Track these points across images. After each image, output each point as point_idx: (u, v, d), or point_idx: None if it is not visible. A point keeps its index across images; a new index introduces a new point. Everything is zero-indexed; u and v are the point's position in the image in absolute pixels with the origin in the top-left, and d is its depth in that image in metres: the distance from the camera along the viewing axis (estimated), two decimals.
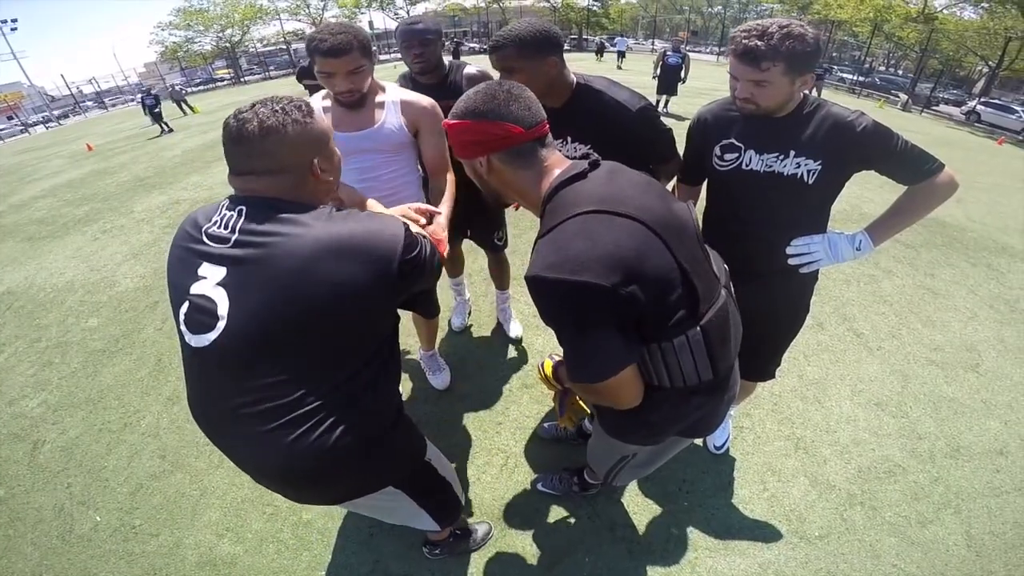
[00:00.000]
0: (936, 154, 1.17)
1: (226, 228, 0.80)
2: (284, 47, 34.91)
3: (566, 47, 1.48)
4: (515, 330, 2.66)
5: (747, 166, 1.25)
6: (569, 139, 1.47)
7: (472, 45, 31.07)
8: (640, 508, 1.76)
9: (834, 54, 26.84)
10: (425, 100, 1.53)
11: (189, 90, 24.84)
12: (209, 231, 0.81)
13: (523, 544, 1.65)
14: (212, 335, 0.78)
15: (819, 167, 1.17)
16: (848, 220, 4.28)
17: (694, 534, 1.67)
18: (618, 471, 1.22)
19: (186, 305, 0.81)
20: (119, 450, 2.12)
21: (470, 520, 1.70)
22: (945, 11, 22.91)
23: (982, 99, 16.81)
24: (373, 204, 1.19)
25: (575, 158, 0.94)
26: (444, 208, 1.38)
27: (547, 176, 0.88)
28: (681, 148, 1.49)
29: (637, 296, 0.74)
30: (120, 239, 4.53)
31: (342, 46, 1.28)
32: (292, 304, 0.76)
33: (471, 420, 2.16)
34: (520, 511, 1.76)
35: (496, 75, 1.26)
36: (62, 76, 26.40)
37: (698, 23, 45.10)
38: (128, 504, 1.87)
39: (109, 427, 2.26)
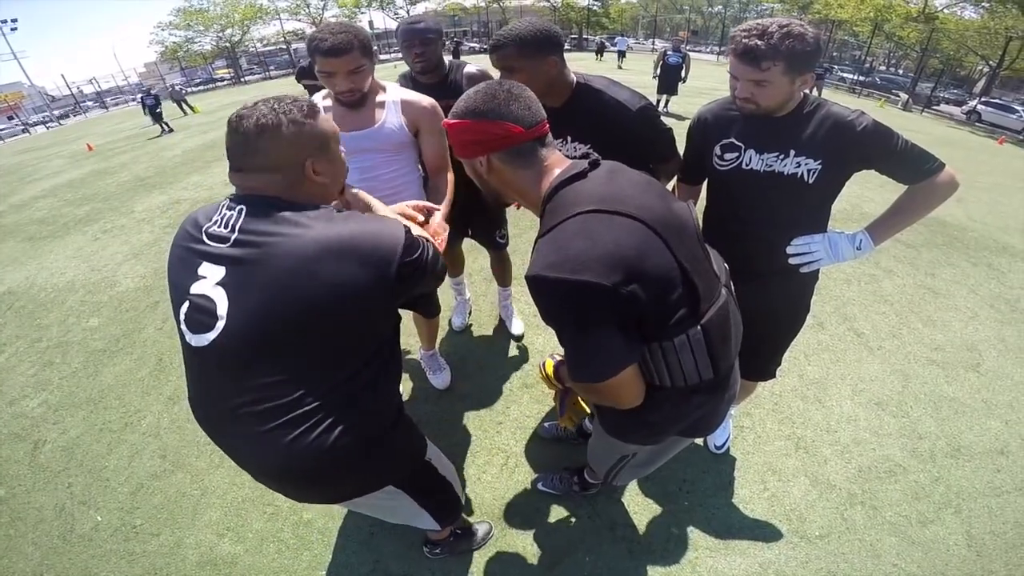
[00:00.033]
0: (937, 154, 1.17)
1: (226, 227, 0.80)
2: (284, 47, 34.93)
3: (566, 47, 1.48)
4: (517, 327, 2.67)
5: (747, 165, 1.25)
6: (569, 138, 1.47)
7: (472, 45, 31.07)
8: (640, 508, 1.76)
9: (834, 54, 26.82)
10: (425, 100, 1.53)
11: (189, 90, 24.84)
12: (209, 230, 0.81)
13: (523, 544, 1.65)
14: (211, 335, 0.78)
15: (819, 166, 1.17)
16: (849, 219, 4.28)
17: (694, 534, 1.67)
18: (618, 471, 1.22)
19: (186, 305, 0.81)
20: (120, 450, 2.12)
21: (470, 519, 1.70)
22: (946, 11, 22.89)
23: (983, 99, 16.79)
24: (379, 207, 1.14)
25: (575, 158, 0.94)
26: (442, 207, 1.39)
27: (547, 176, 0.88)
28: (681, 148, 1.49)
29: (638, 295, 0.74)
30: (121, 239, 4.54)
31: (343, 46, 1.29)
32: (291, 304, 0.76)
33: (471, 420, 2.16)
34: (520, 511, 1.76)
35: (496, 74, 1.26)
36: (62, 76, 26.47)
37: (698, 23, 45.09)
38: (129, 504, 1.87)
39: (110, 427, 2.26)
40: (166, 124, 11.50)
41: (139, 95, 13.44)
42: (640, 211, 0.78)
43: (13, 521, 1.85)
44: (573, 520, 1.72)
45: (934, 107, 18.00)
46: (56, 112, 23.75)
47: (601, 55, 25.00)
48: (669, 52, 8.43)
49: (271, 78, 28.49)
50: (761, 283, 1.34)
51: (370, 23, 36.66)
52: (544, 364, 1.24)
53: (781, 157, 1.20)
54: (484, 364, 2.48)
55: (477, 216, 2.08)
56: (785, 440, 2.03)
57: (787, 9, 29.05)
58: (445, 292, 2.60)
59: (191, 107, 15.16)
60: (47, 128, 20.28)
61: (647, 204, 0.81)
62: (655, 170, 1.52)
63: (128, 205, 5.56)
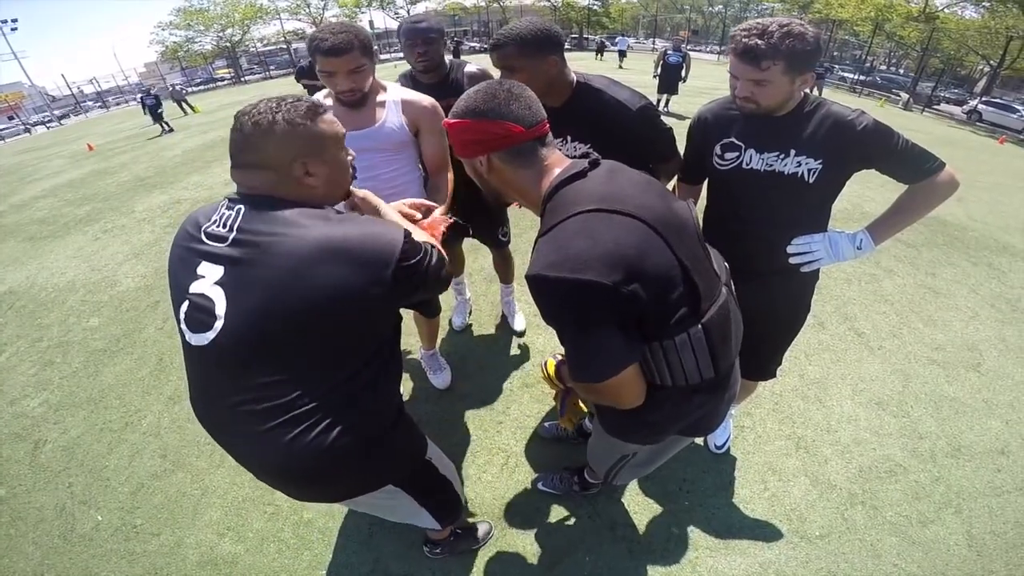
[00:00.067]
0: (937, 153, 1.17)
1: (224, 227, 0.80)
2: (284, 47, 34.90)
3: (566, 46, 1.47)
4: (519, 323, 2.67)
5: (747, 165, 1.25)
6: (569, 138, 1.47)
7: (472, 44, 31.04)
8: (640, 507, 1.76)
9: (835, 53, 26.76)
10: (426, 99, 1.54)
11: (189, 90, 24.83)
12: (208, 230, 0.81)
13: (523, 543, 1.65)
14: (211, 334, 0.78)
15: (820, 166, 1.16)
16: (849, 219, 4.27)
17: (695, 533, 1.67)
18: (618, 470, 1.22)
19: (186, 304, 0.82)
20: (120, 449, 2.13)
21: (471, 519, 1.70)
22: (946, 10, 22.89)
23: (983, 98, 16.75)
24: (387, 211, 1.08)
25: (575, 157, 0.94)
26: (442, 208, 1.39)
27: (547, 175, 0.88)
28: (681, 147, 1.49)
29: (638, 294, 0.74)
30: (121, 239, 4.54)
31: (343, 45, 1.29)
32: (290, 304, 0.76)
33: (472, 419, 2.16)
34: (521, 510, 1.76)
35: (497, 74, 1.26)
36: (63, 76, 26.42)
37: (699, 22, 45.04)
38: (129, 503, 1.88)
39: (110, 426, 2.26)
40: (166, 124, 11.51)
41: (139, 95, 13.45)
42: (640, 210, 0.78)
43: (14, 521, 1.85)
44: (573, 520, 1.72)
45: (935, 107, 17.95)
46: (56, 112, 23.74)
47: (601, 55, 24.98)
48: (669, 52, 8.43)
49: (271, 78, 28.48)
50: (761, 282, 1.34)
51: (370, 23, 36.64)
52: (545, 364, 1.24)
53: (781, 156, 1.20)
54: (484, 364, 2.48)
55: (478, 215, 2.08)
56: (785, 440, 2.03)
57: (788, 8, 29.02)
58: (445, 292, 2.59)
59: (191, 107, 15.16)
60: (47, 128, 20.29)
61: (647, 203, 0.81)
62: (655, 170, 1.51)
63: (128, 205, 5.56)
